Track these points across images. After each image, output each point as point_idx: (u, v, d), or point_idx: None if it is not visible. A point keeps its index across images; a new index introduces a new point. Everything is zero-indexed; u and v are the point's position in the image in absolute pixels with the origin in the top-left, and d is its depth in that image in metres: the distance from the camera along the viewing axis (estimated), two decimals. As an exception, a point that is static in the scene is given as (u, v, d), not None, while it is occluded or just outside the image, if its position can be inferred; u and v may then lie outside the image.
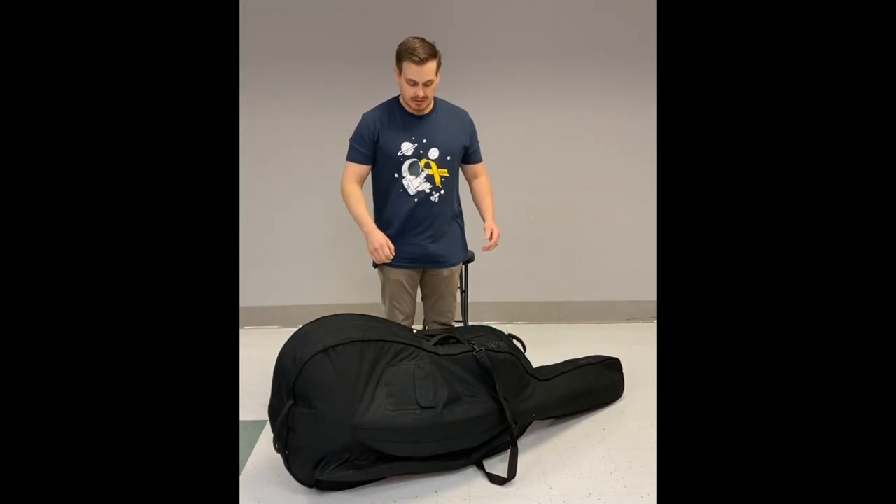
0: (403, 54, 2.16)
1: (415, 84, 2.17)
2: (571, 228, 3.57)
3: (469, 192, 2.56)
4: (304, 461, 1.98)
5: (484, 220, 2.47)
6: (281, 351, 2.05)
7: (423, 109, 2.28)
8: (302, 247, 3.57)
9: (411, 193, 2.32)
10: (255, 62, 3.26)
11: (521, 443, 2.33)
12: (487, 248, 2.41)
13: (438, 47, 2.16)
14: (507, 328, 2.73)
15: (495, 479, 2.14)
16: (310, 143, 3.41)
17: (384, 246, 2.28)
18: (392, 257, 2.31)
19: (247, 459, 2.31)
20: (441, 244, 2.41)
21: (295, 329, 2.13)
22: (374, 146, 2.30)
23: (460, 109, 2.44)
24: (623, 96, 3.37)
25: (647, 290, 3.66)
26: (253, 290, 3.58)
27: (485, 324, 3.15)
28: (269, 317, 3.66)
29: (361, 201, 2.33)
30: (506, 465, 2.17)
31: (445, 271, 2.49)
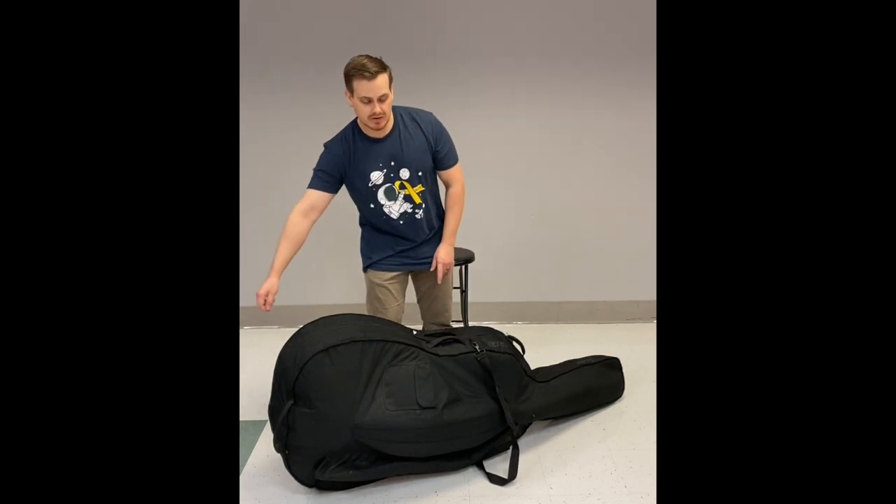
0: (352, 73, 2.05)
1: (369, 101, 2.05)
2: (571, 228, 3.57)
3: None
4: (304, 461, 1.98)
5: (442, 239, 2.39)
6: (281, 351, 2.05)
7: (383, 128, 2.17)
8: (303, 247, 3.56)
9: (395, 217, 2.29)
10: (256, 61, 3.26)
11: (521, 442, 2.33)
12: (438, 273, 2.35)
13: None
14: (507, 328, 2.73)
15: (495, 480, 2.14)
16: (311, 143, 3.39)
17: (260, 297, 2.19)
18: (267, 311, 2.20)
19: (247, 459, 2.31)
20: (426, 245, 2.40)
21: (295, 329, 2.13)
22: (342, 179, 2.24)
23: (422, 113, 2.29)
24: (624, 96, 3.37)
25: (647, 290, 3.66)
26: (253, 290, 3.57)
27: (485, 324, 3.15)
28: (269, 317, 3.65)
29: (289, 238, 2.23)
30: (506, 465, 2.17)
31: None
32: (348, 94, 2.13)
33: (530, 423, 2.44)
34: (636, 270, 3.62)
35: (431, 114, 2.32)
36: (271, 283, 2.22)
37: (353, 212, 2.44)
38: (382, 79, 2.05)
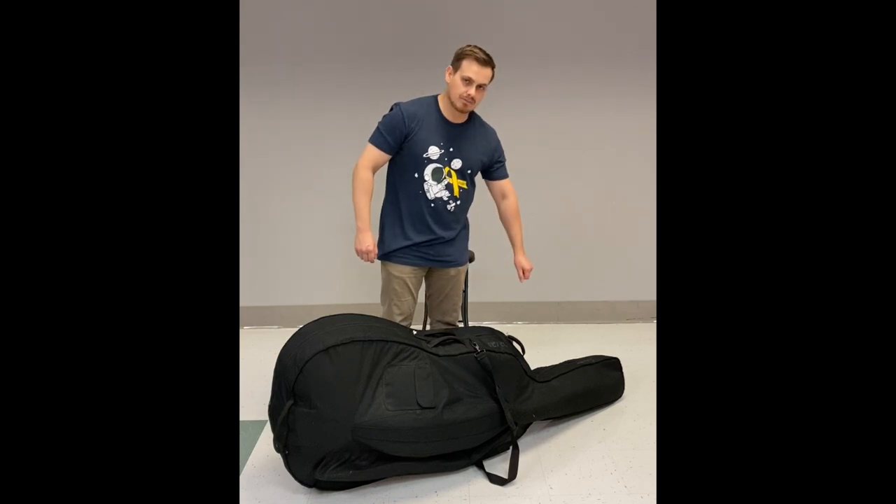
0: (467, 52, 2.19)
1: (469, 83, 2.18)
2: (571, 228, 3.58)
3: (497, 213, 2.57)
4: (304, 461, 1.97)
5: (514, 251, 2.55)
6: (281, 351, 2.05)
7: (463, 113, 2.29)
8: (302, 247, 3.57)
9: (430, 198, 2.32)
10: (260, 60, 3.26)
11: (521, 443, 2.33)
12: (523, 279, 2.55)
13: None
14: (507, 328, 2.73)
15: (495, 480, 2.14)
16: (312, 143, 3.41)
17: (370, 253, 2.33)
18: (372, 262, 2.37)
19: (247, 459, 2.31)
20: (449, 246, 2.42)
21: (295, 329, 2.13)
22: (403, 141, 2.28)
23: (489, 126, 2.45)
24: (623, 97, 3.38)
25: (647, 290, 3.66)
26: (253, 290, 3.58)
27: (485, 324, 3.15)
28: (269, 317, 3.66)
29: (368, 194, 2.32)
30: (506, 465, 2.17)
31: (452, 271, 2.49)
32: (451, 70, 2.25)
33: (530, 423, 2.44)
34: (636, 270, 3.62)
35: (495, 131, 2.48)
36: (369, 237, 2.33)
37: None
38: (489, 71, 2.21)
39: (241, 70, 3.23)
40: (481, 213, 3.38)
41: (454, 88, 2.22)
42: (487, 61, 2.19)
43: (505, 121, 3.35)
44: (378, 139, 2.30)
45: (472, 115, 2.38)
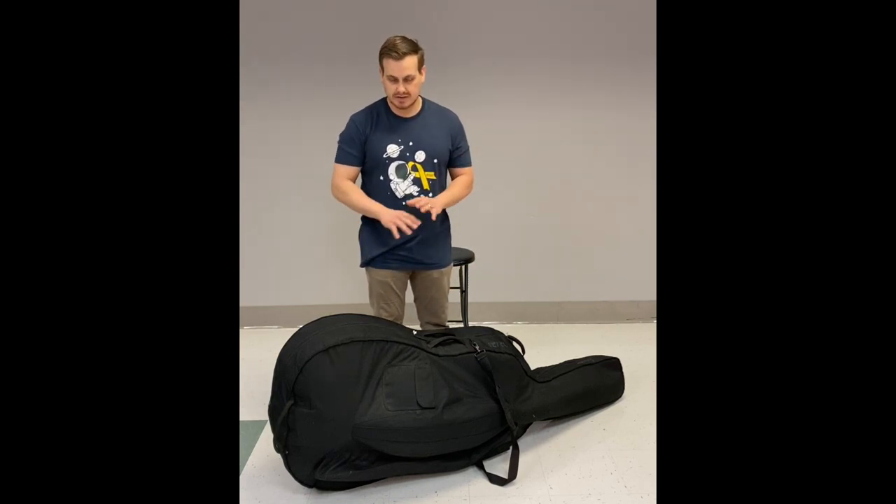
0: (383, 52, 2.16)
1: (395, 80, 2.15)
2: (571, 228, 3.58)
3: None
4: (304, 461, 1.98)
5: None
6: (281, 351, 2.05)
7: (408, 108, 2.26)
8: (302, 247, 3.57)
9: (399, 197, 2.29)
10: (257, 61, 3.26)
11: (521, 443, 2.33)
12: (420, 205, 2.21)
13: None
14: (507, 328, 2.73)
15: (495, 480, 2.14)
16: (310, 143, 3.41)
17: (399, 217, 2.17)
18: (413, 225, 2.18)
19: (247, 459, 2.31)
20: (430, 246, 2.38)
21: (295, 329, 2.13)
22: (363, 148, 2.28)
23: (449, 111, 2.40)
24: (624, 97, 3.38)
25: (647, 290, 3.66)
26: (253, 290, 3.58)
27: (485, 324, 3.15)
28: (269, 317, 3.66)
29: (357, 190, 2.32)
30: (506, 465, 2.17)
31: (435, 273, 2.44)
32: (380, 71, 2.22)
33: (530, 423, 2.44)
34: (636, 270, 3.62)
35: (457, 116, 2.41)
36: (388, 211, 2.21)
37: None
38: (410, 60, 2.14)
39: (241, 69, 3.23)
40: (480, 214, 3.40)
41: (386, 90, 2.22)
42: (405, 52, 2.12)
43: (504, 120, 3.38)
44: (341, 155, 2.31)
45: (426, 103, 2.34)
